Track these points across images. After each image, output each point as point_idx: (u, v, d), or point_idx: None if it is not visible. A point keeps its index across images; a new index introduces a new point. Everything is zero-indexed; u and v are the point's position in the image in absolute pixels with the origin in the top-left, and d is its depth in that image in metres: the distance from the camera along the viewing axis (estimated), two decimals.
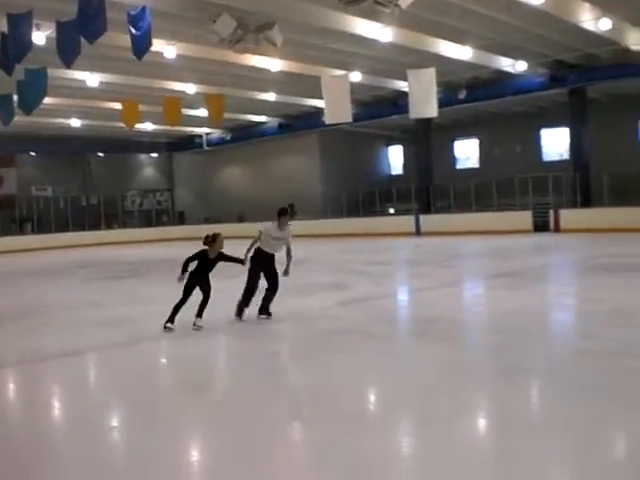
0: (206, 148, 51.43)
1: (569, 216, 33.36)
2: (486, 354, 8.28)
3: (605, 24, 24.68)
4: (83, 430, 5.90)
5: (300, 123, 44.11)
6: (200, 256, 9.81)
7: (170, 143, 53.72)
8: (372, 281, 16.63)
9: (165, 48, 24.66)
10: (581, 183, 34.86)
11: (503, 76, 33.83)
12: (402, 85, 31.89)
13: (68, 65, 18.71)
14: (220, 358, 8.96)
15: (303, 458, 5.12)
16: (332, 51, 27.78)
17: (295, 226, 10.57)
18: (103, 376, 8.22)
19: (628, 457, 4.86)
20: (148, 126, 42.68)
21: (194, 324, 9.78)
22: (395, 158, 51.12)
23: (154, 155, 56.11)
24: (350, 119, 26.71)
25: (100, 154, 52.04)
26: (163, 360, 9.10)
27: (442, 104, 28.09)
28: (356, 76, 31.04)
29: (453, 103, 35.23)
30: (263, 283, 10.56)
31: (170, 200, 56.67)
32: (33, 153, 49.09)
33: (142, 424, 5.96)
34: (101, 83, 30.91)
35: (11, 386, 7.99)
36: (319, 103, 31.99)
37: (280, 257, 10.62)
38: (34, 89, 20.46)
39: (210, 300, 9.90)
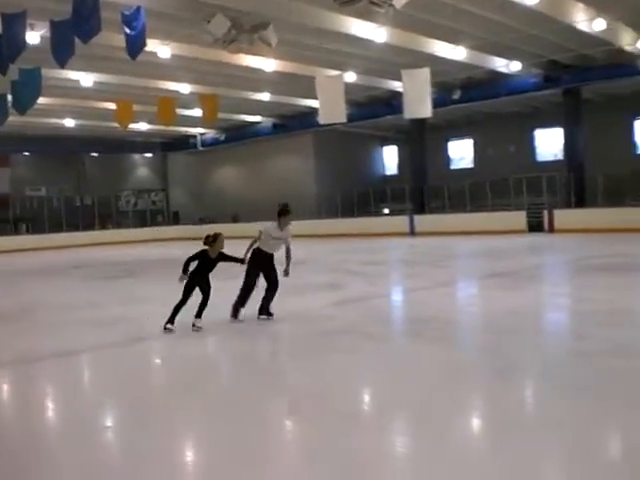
0: (200, 148, 51.45)
1: (563, 216, 33.41)
2: (480, 354, 8.29)
3: (599, 24, 24.73)
4: (77, 430, 5.89)
5: (294, 123, 44.14)
6: (201, 256, 9.75)
7: (164, 143, 53.70)
8: (367, 281, 16.64)
9: (159, 48, 24.65)
10: (575, 183, 34.95)
11: (497, 76, 33.88)
12: (396, 85, 31.94)
13: (62, 65, 18.67)
14: (215, 358, 8.95)
15: (298, 457, 5.12)
16: (326, 51, 27.79)
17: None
18: (98, 376, 8.21)
19: (623, 458, 4.87)
20: (142, 126, 42.65)
21: (193, 325, 9.71)
22: (389, 158, 51.16)
23: (148, 155, 56.09)
24: (344, 119, 26.72)
25: (94, 154, 52.04)
26: (158, 360, 9.10)
27: (436, 104, 28.14)
28: (350, 76, 31.07)
29: (447, 103, 35.28)
30: (262, 283, 10.52)
31: (164, 200, 56.65)
32: (27, 153, 49.05)
33: (137, 424, 5.96)
34: (95, 83, 30.91)
35: (5, 386, 7.97)
36: (313, 103, 31.99)
37: (278, 257, 10.59)
38: (28, 89, 20.42)
39: (209, 300, 9.87)
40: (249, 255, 10.33)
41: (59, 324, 11.86)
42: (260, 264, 10.32)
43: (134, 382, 7.50)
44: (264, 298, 10.50)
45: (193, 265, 9.80)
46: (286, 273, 10.44)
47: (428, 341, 8.89)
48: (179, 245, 39.15)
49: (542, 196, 36.62)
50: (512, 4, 22.09)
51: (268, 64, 29.26)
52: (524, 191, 37.50)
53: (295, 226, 10.63)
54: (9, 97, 21.87)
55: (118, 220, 51.15)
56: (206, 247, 9.74)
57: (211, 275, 10.01)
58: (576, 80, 33.31)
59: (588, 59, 31.60)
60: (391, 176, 49.92)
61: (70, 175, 50.71)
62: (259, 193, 47.63)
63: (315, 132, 43.15)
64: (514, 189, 38.20)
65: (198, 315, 9.74)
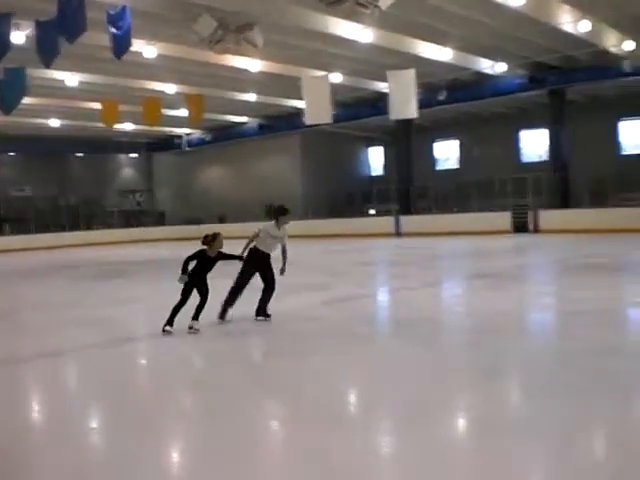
0: (186, 149, 51.40)
1: (548, 217, 33.56)
2: (466, 355, 8.31)
3: (584, 26, 24.86)
4: (62, 431, 5.85)
5: (281, 124, 44.17)
6: (199, 256, 9.65)
7: (150, 143, 53.60)
8: (354, 282, 16.65)
9: (145, 48, 24.62)
10: (560, 184, 35.09)
11: (483, 77, 34.02)
12: (382, 86, 31.98)
13: (47, 65, 18.64)
14: (202, 359, 8.92)
15: (285, 459, 5.12)
16: (312, 52, 27.82)
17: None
18: (84, 377, 8.17)
19: (608, 458, 4.89)
20: (128, 126, 42.56)
21: (190, 327, 9.59)
22: (376, 159, 51.20)
23: (134, 155, 55.96)
24: (330, 120, 26.76)
25: (79, 154, 51.85)
26: (144, 361, 9.06)
27: (422, 105, 28.21)
28: (336, 77, 31.10)
29: (433, 104, 35.37)
30: (256, 285, 10.47)
31: (150, 201, 56.51)
32: (12, 153, 48.83)
33: (122, 425, 5.93)
34: (80, 83, 30.84)
35: None
36: (299, 104, 32.01)
37: (274, 256, 10.55)
38: (13, 89, 20.36)
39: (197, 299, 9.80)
40: (246, 253, 10.28)
41: (45, 324, 11.81)
42: (257, 264, 10.28)
43: (120, 383, 7.47)
44: (261, 299, 10.42)
45: (192, 265, 9.69)
46: (282, 271, 10.42)
47: (414, 342, 8.90)
48: (166, 246, 39.17)
49: (527, 197, 36.74)
50: (498, 6, 22.18)
51: (254, 64, 29.26)
52: (509, 192, 37.62)
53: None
54: None
55: (104, 220, 50.91)
56: (204, 247, 9.66)
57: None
58: (561, 81, 33.51)
59: (573, 60, 31.78)
60: (377, 177, 50.00)
61: (55, 175, 50.43)
62: (245, 194, 47.67)
63: (301, 133, 43.17)
64: (499, 190, 38.34)
65: (195, 317, 9.62)
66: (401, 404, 6.17)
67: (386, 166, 49.42)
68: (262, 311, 10.45)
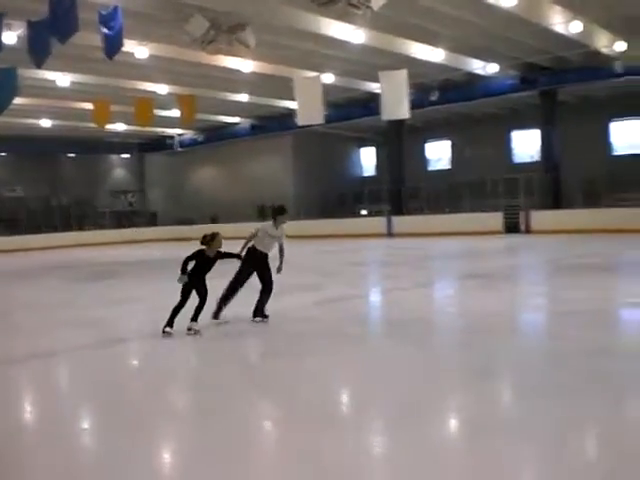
0: (178, 149, 51.33)
1: (540, 217, 33.62)
2: (459, 355, 8.33)
3: (576, 27, 24.92)
4: (55, 431, 5.85)
5: (273, 124, 44.16)
6: (198, 255, 9.60)
7: (142, 144, 53.52)
8: (346, 282, 16.67)
9: (137, 48, 24.59)
10: (552, 185, 35.17)
11: (475, 78, 34.06)
12: (374, 87, 31.99)
13: (39, 65, 18.60)
14: (194, 359, 8.91)
15: (278, 459, 5.13)
16: (304, 52, 27.83)
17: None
18: (77, 378, 8.16)
19: (599, 459, 4.91)
20: (120, 127, 42.46)
21: (189, 328, 9.54)
22: (368, 159, 51.19)
23: (126, 156, 55.83)
24: (322, 120, 26.76)
25: (71, 155, 51.71)
26: (137, 362, 9.05)
27: (414, 106, 28.21)
28: (329, 78, 31.10)
29: (425, 105, 35.38)
30: (252, 285, 10.45)
31: (142, 201, 56.43)
32: (3, 153, 48.66)
33: (115, 426, 5.93)
34: (72, 83, 30.76)
35: None
36: (292, 104, 32.00)
37: (272, 256, 10.54)
38: (4, 89, 20.25)
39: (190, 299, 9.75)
40: (244, 252, 10.27)
41: (38, 325, 11.80)
42: (255, 263, 10.26)
43: (113, 384, 7.46)
44: (259, 300, 10.40)
45: (191, 265, 9.63)
46: (279, 270, 10.42)
47: (406, 342, 8.92)
48: (158, 246, 39.16)
49: (519, 197, 36.81)
50: (490, 6, 22.21)
51: (246, 65, 29.26)
52: (501, 192, 37.69)
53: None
54: None
55: (95, 221, 50.76)
56: (203, 246, 9.60)
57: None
58: (552, 82, 33.59)
59: (564, 61, 31.86)
60: (369, 177, 49.97)
61: (47, 176, 50.26)
62: (237, 194, 47.68)
63: (293, 133, 43.15)
64: (491, 190, 38.41)
65: (194, 318, 9.55)
66: (393, 404, 6.18)
67: (378, 167, 49.43)
68: (260, 312, 10.43)
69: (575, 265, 18.07)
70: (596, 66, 30.98)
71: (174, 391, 7.15)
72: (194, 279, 9.52)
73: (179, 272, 9.51)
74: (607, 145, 39.04)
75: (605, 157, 38.24)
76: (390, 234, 37.74)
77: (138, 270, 24.09)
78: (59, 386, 7.93)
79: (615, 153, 38.86)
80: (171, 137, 51.01)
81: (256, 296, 10.41)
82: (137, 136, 50.12)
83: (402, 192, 40.84)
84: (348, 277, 18.14)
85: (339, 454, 4.96)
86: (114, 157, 55.68)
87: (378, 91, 27.96)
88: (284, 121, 40.80)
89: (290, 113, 35.73)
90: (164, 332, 9.47)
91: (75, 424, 6.18)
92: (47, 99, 34.66)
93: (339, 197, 46.18)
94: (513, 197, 36.77)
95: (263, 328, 10.16)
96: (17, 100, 22.59)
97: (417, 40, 27.21)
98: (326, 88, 27.83)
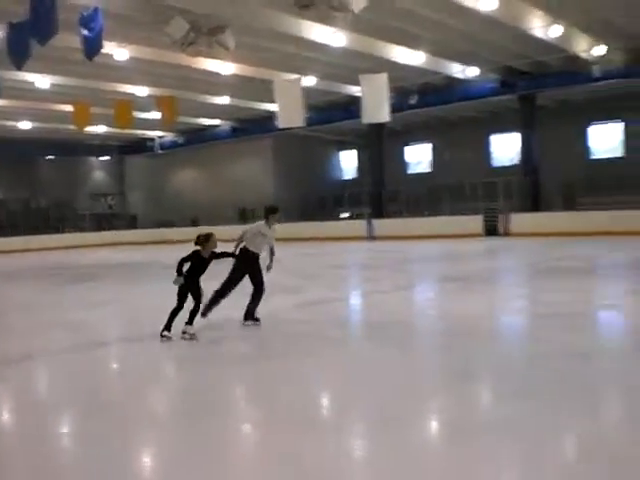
0: (159, 151, 51.19)
1: (519, 220, 33.79)
2: (439, 357, 8.37)
3: (555, 31, 25.10)
4: (32, 435, 5.81)
5: (253, 127, 44.16)
6: (193, 257, 9.46)
7: (122, 146, 53.34)
8: (326, 285, 16.69)
9: (117, 50, 24.53)
10: (531, 188, 35.39)
11: (455, 82, 34.22)
12: (355, 90, 32.08)
13: (19, 67, 18.52)
14: (174, 362, 8.89)
15: (258, 462, 5.13)
16: (285, 55, 27.86)
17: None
18: (57, 381, 8.12)
19: (578, 461, 4.94)
20: (100, 129, 42.32)
21: (184, 332, 9.40)
22: (348, 163, 51.23)
23: (106, 158, 55.59)
24: (303, 123, 26.79)
25: (51, 157, 51.40)
26: (118, 365, 9.01)
27: (394, 109, 28.28)
28: (309, 81, 31.13)
29: (405, 108, 35.49)
30: (247, 289, 10.39)
31: (122, 204, 56.20)
32: None
33: (95, 429, 5.90)
34: (52, 85, 30.62)
35: None
36: (272, 107, 32.00)
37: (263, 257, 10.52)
38: None
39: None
40: (237, 252, 10.22)
41: (17, 328, 11.73)
42: (247, 263, 10.19)
43: (93, 387, 7.43)
44: (250, 303, 10.34)
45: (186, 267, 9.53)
46: (269, 269, 10.40)
47: (387, 344, 8.94)
48: (138, 249, 39.02)
49: (498, 200, 36.99)
50: (470, 10, 22.31)
51: (227, 67, 29.25)
52: (481, 195, 37.88)
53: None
54: None
55: (75, 224, 50.46)
56: (198, 247, 9.49)
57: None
58: (531, 86, 33.82)
59: (543, 66, 32.07)
60: (350, 180, 50.03)
61: (26, 178, 49.97)
62: (218, 196, 47.68)
63: (274, 136, 43.17)
64: (471, 193, 38.60)
65: (189, 322, 9.43)
66: (374, 407, 6.20)
67: (359, 170, 49.53)
68: (250, 315, 10.37)
69: (554, 268, 18.19)
70: (575, 70, 31.22)
71: (155, 394, 7.14)
72: (189, 280, 9.40)
73: (175, 274, 9.35)
74: (585, 149, 39.35)
75: (583, 161, 38.55)
76: (370, 237, 37.76)
77: (118, 273, 23.99)
78: (38, 389, 7.88)
79: (593, 157, 39.16)
80: (151, 139, 50.88)
81: (247, 299, 10.37)
82: (117, 138, 49.97)
83: (382, 195, 40.94)
84: (329, 280, 18.16)
85: (320, 457, 4.97)
86: (94, 159, 55.44)
87: (359, 94, 28.03)
88: (265, 124, 40.80)
89: (271, 116, 35.74)
90: (163, 336, 9.37)
91: (54, 427, 6.15)
92: (26, 101, 34.47)
93: (319, 200, 46.22)
94: (492, 200, 36.95)
95: (243, 330, 10.15)
96: None
97: (398, 43, 27.30)
98: (307, 91, 27.88)
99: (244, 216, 44.03)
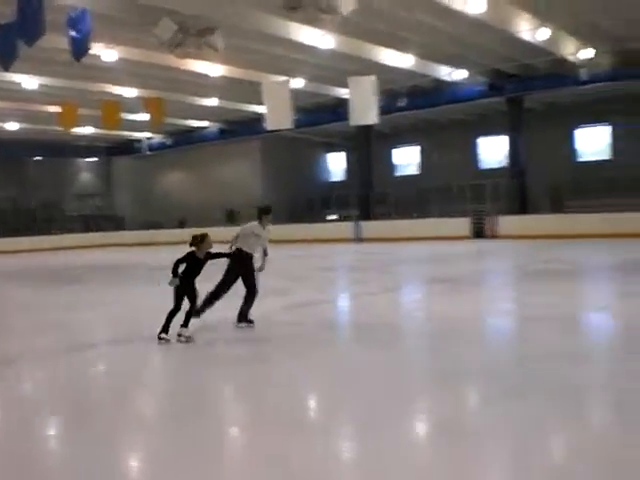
0: (147, 153, 51.13)
1: (507, 223, 33.89)
2: (427, 359, 8.38)
3: (543, 34, 25.19)
4: (17, 438, 5.79)
5: (242, 129, 44.12)
6: (189, 258, 9.37)
7: (109, 147, 53.24)
8: (314, 287, 16.69)
9: (105, 51, 24.48)
10: (518, 190, 35.49)
11: (443, 84, 34.29)
12: (343, 92, 32.13)
13: (6, 68, 18.46)
14: (160, 365, 8.87)
15: (246, 464, 5.12)
16: (273, 57, 27.85)
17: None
18: (44, 383, 8.08)
19: (566, 462, 4.96)
20: (87, 130, 42.22)
21: (179, 335, 9.32)
22: (336, 165, 51.22)
23: (94, 159, 55.40)
24: (291, 125, 26.82)
25: (38, 158, 51.18)
26: (105, 367, 8.97)
27: (383, 111, 28.33)
28: (297, 83, 31.14)
29: (393, 111, 35.53)
30: (239, 291, 10.36)
31: (110, 205, 56.02)
32: None
33: (81, 432, 5.88)
34: (40, 86, 30.51)
35: None
36: (260, 109, 32.02)
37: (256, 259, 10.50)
38: None
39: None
40: (232, 252, 10.18)
41: (3, 329, 11.67)
42: (242, 264, 10.15)
43: (81, 389, 7.41)
44: (243, 305, 10.29)
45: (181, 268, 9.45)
46: (261, 269, 10.38)
47: (375, 346, 8.94)
48: (125, 251, 38.91)
49: (486, 203, 37.10)
50: (458, 13, 22.35)
51: (215, 69, 29.21)
52: (468, 198, 37.99)
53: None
54: None
55: (63, 225, 50.23)
56: (193, 248, 9.40)
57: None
58: (519, 89, 33.92)
59: (531, 69, 32.19)
60: (338, 182, 50.01)
61: (14, 179, 49.79)
62: (206, 198, 47.61)
63: (262, 138, 43.17)
64: (458, 196, 38.70)
65: (185, 324, 9.34)
66: (362, 409, 6.20)
67: (347, 172, 49.56)
68: (244, 317, 10.31)
69: (541, 270, 18.26)
70: (562, 73, 31.36)
71: (144, 397, 7.12)
72: (184, 282, 9.30)
73: (170, 275, 9.24)
74: (573, 151, 39.50)
75: (571, 163, 38.70)
76: (358, 239, 37.78)
77: (105, 275, 23.92)
78: (24, 392, 7.83)
79: (580, 159, 39.30)
80: (139, 141, 50.78)
81: (241, 300, 10.33)
82: (105, 140, 49.88)
83: (370, 197, 40.99)
84: (317, 282, 18.16)
85: (308, 459, 4.97)
86: (81, 160, 55.23)
87: (347, 97, 28.09)
88: (253, 125, 40.79)
89: (259, 117, 35.79)
90: (160, 338, 9.26)
91: (41, 430, 6.12)
92: (13, 102, 34.35)
93: (307, 202, 46.23)
94: (480, 203, 37.06)
95: (230, 332, 10.13)
96: None
97: (386, 46, 27.34)
98: (295, 93, 27.89)
99: (232, 218, 43.99)
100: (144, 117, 33.55)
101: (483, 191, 37.88)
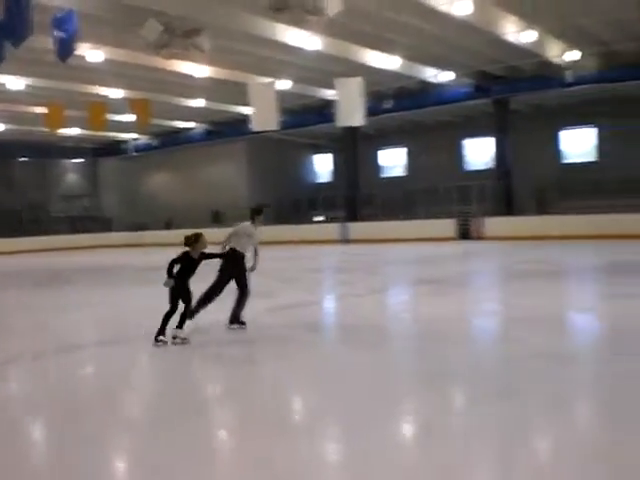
0: (133, 154, 51.03)
1: (493, 224, 33.99)
2: (413, 360, 8.40)
3: (529, 36, 25.30)
4: (6, 438, 5.77)
5: (228, 130, 44.09)
6: (184, 258, 9.24)
7: (96, 148, 53.07)
8: (301, 288, 16.70)
9: (91, 52, 24.40)
10: (504, 192, 35.60)
11: (429, 86, 34.36)
12: (329, 94, 32.18)
13: None
14: (144, 368, 8.85)
15: (232, 466, 5.12)
16: (260, 58, 27.84)
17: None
18: (24, 385, 8.05)
19: (552, 462, 4.98)
20: (74, 131, 42.08)
21: (174, 337, 9.20)
22: (323, 166, 51.26)
23: (80, 160, 55.18)
24: (277, 127, 26.85)
25: (24, 159, 50.95)
26: (93, 369, 8.93)
27: (369, 113, 28.39)
28: (284, 84, 31.15)
29: (380, 112, 35.59)
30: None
31: (97, 207, 55.83)
32: None
33: (67, 435, 5.86)
34: (26, 87, 30.40)
35: None
36: (247, 110, 32.01)
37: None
38: None
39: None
40: (226, 252, 10.13)
41: None
42: (235, 264, 10.10)
43: (68, 391, 7.37)
44: (236, 306, 10.22)
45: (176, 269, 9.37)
46: (253, 269, 10.34)
47: (361, 348, 8.95)
48: (112, 252, 38.80)
49: (472, 204, 37.22)
50: (445, 15, 22.40)
51: (201, 70, 29.17)
52: (454, 199, 38.11)
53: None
54: None
55: (50, 226, 49.96)
56: (187, 248, 9.28)
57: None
58: (505, 91, 34.06)
59: (517, 71, 32.32)
60: (324, 184, 50.05)
61: (0, 180, 49.56)
62: (192, 199, 47.54)
63: (248, 139, 43.15)
64: (445, 197, 38.81)
65: (179, 326, 9.22)
66: (348, 410, 6.20)
67: (334, 173, 49.60)
68: (236, 319, 10.24)
69: (527, 271, 18.33)
70: (548, 75, 31.49)
71: (130, 398, 7.10)
72: (179, 282, 9.17)
73: (165, 275, 9.12)
74: (558, 153, 39.67)
75: (556, 165, 38.88)
76: (345, 240, 37.82)
77: (92, 276, 23.85)
78: (11, 392, 7.80)
79: (566, 161, 39.48)
80: (125, 142, 50.66)
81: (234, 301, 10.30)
82: (91, 141, 49.72)
83: (357, 199, 41.03)
84: (304, 283, 18.16)
85: (293, 461, 4.97)
86: (67, 162, 55.01)
87: (333, 98, 28.13)
88: (239, 127, 40.78)
89: (245, 119, 35.77)
90: (158, 341, 9.14)
91: (28, 431, 6.10)
92: None
93: (294, 203, 46.24)
94: (466, 204, 37.19)
95: (217, 334, 10.10)
96: None
97: (372, 48, 27.38)
98: (281, 94, 27.92)
99: (218, 219, 43.93)
100: (130, 118, 33.47)
101: (469, 192, 38.03)
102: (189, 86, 32.89)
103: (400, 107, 36.68)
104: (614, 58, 29.49)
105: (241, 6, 21.75)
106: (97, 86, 31.90)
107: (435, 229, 35.07)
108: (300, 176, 49.90)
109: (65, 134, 41.66)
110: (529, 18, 24.47)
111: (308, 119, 39.75)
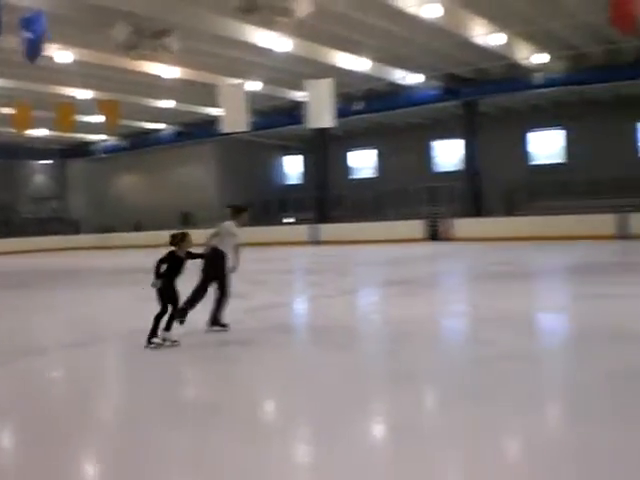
0: (102, 155, 50.68)
1: (462, 225, 34.19)
2: (382, 361, 8.41)
3: (498, 39, 25.48)
4: None
5: (198, 131, 43.95)
6: (170, 258, 9.07)
7: (64, 150, 52.63)
8: (270, 290, 16.65)
9: (60, 53, 24.22)
10: (473, 193, 35.81)
11: (399, 88, 34.50)
12: (299, 95, 32.21)
13: None
14: (116, 371, 8.79)
15: (201, 470, 5.10)
16: (229, 60, 27.79)
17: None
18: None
19: (523, 462, 5.01)
20: (42, 132, 41.72)
21: (163, 339, 9.05)
22: (293, 168, 51.29)
23: (48, 162, 54.72)
24: (247, 128, 26.82)
25: None
26: (55, 373, 8.85)
27: (339, 115, 28.44)
28: (254, 85, 31.11)
29: (350, 114, 35.67)
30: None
31: (65, 208, 55.38)
32: None
33: (31, 441, 5.81)
34: None
35: None
36: (217, 111, 31.93)
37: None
38: None
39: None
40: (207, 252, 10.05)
41: None
42: (217, 263, 10.03)
43: (32, 396, 7.31)
44: (216, 307, 10.12)
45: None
46: (234, 269, 10.31)
47: (332, 349, 8.96)
48: (80, 254, 38.49)
49: (441, 205, 37.41)
50: (414, 18, 22.51)
51: (171, 71, 29.05)
52: (424, 200, 38.28)
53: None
54: None
55: (16, 228, 49.44)
56: (173, 248, 9.14)
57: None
58: (474, 93, 34.30)
59: (486, 73, 32.54)
60: (294, 185, 50.09)
61: None
62: (162, 201, 47.31)
63: (218, 141, 43.02)
64: (414, 198, 38.96)
65: (167, 328, 9.08)
66: (318, 412, 6.21)
67: (303, 175, 49.64)
68: (216, 321, 10.14)
69: (496, 272, 18.44)
70: (517, 78, 31.76)
71: (95, 402, 7.05)
72: (166, 283, 9.01)
73: (153, 276, 8.97)
74: (527, 155, 40.00)
75: (525, 166, 39.22)
76: (315, 242, 37.84)
77: (58, 279, 23.65)
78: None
79: (534, 163, 39.82)
80: (94, 143, 50.30)
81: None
82: (59, 142, 49.29)
83: (327, 200, 41.07)
84: (274, 285, 18.14)
85: (263, 462, 4.96)
86: (36, 163, 54.52)
87: (303, 99, 28.13)
88: (209, 128, 40.63)
89: (215, 120, 35.66)
90: (150, 342, 9.01)
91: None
92: None
93: (264, 205, 46.16)
94: (435, 205, 37.37)
95: (187, 337, 10.04)
96: None
97: (342, 49, 27.44)
98: (251, 96, 27.88)
99: (187, 221, 43.75)
100: (99, 119, 33.25)
101: (438, 194, 38.25)
102: (158, 87, 32.73)
103: (370, 109, 36.80)
104: (582, 61, 29.81)
105: (210, 7, 21.70)
106: (65, 87, 31.65)
107: (405, 230, 35.18)
108: (270, 177, 49.89)
109: (33, 135, 41.28)
110: (498, 21, 24.66)
111: (278, 120, 39.75)
